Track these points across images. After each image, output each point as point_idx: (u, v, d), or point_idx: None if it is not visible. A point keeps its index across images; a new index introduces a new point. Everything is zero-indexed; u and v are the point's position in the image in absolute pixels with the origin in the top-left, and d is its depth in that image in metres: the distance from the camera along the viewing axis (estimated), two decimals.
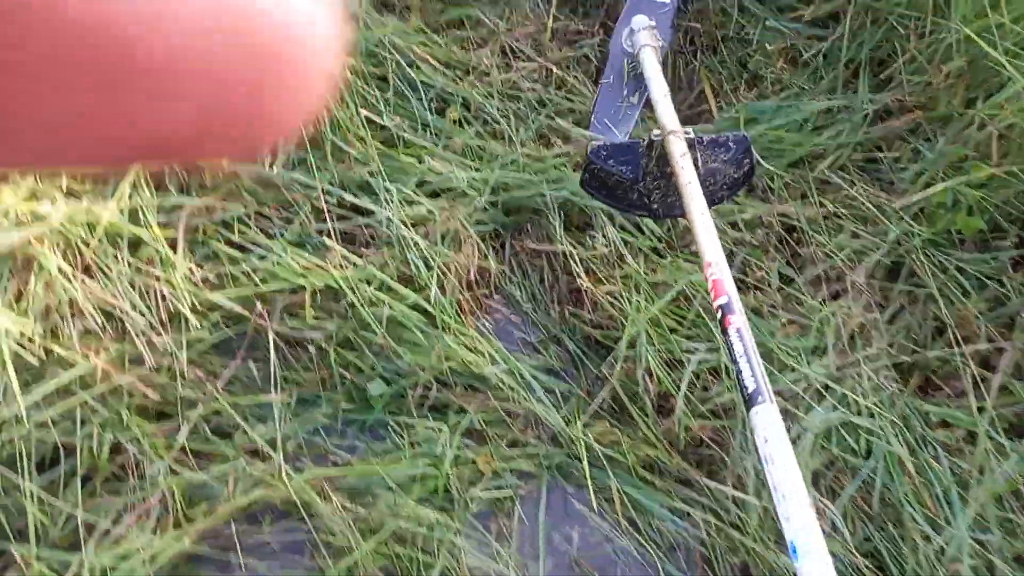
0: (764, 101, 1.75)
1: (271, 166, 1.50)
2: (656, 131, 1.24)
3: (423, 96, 1.69)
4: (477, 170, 1.59)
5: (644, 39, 1.55)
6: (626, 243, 1.54)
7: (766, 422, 0.84)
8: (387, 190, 1.53)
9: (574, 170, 1.66)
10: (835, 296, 1.51)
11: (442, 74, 1.72)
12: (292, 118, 0.21)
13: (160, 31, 0.17)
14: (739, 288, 1.50)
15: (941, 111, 1.65)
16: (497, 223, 1.60)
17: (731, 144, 1.24)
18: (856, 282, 1.48)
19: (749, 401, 0.87)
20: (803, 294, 1.49)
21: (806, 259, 1.55)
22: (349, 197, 1.52)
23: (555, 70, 1.79)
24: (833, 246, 1.54)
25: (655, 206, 1.31)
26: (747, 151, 1.25)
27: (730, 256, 1.54)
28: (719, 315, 0.97)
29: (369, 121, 1.60)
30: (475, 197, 1.56)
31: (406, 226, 1.48)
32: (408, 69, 1.70)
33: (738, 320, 0.94)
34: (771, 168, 1.63)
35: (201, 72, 0.18)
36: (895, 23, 1.72)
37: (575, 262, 1.52)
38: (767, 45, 1.82)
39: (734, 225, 1.58)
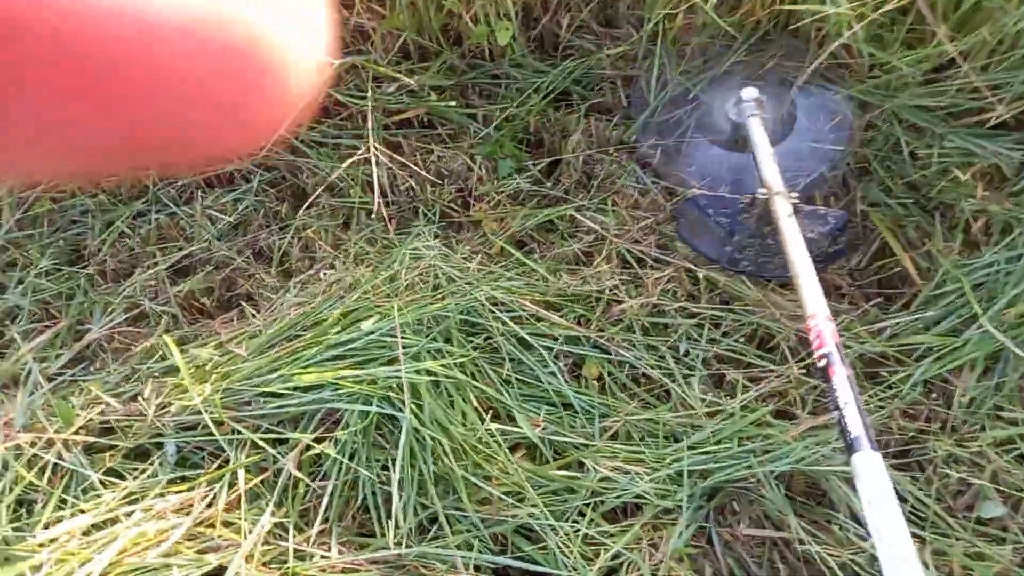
0: (981, 256, 1.33)
1: None
2: (762, 190, 1.24)
3: (548, 360, 1.27)
4: (656, 463, 1.18)
5: (751, 109, 1.43)
6: None
7: (867, 468, 0.84)
8: (554, 530, 1.12)
9: (775, 416, 1.25)
10: None
11: (559, 321, 1.31)
12: (271, 120, 0.21)
13: (141, 37, 0.17)
14: None
15: None
16: (696, 520, 1.19)
17: (830, 219, 1.26)
18: None
19: (852, 447, 0.86)
20: None
21: None
22: (508, 562, 1.11)
23: (699, 271, 1.37)
24: None
25: (746, 263, 1.30)
26: (844, 228, 1.26)
27: None
28: (822, 364, 0.98)
29: (501, 432, 1.19)
30: (668, 498, 1.15)
31: None
32: (518, 327, 1.29)
33: (842, 371, 0.95)
34: None
35: (183, 78, 0.18)
36: None
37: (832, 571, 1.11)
38: (955, 170, 1.40)
39: None
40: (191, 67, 0.19)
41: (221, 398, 1.21)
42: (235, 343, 1.30)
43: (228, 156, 0.23)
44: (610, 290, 1.35)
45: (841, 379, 0.93)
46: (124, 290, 1.43)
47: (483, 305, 1.29)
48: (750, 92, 1.45)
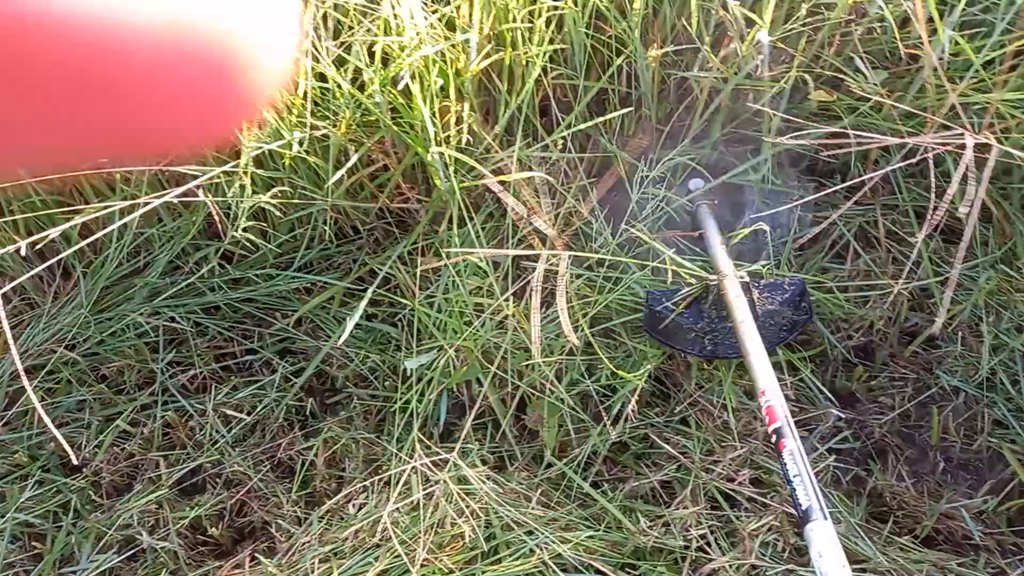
0: None
1: None
2: (713, 276, 1.28)
3: None
4: None
5: (700, 197, 1.45)
6: None
7: (821, 537, 0.85)
8: None
9: None
10: None
11: None
12: (236, 117, 0.22)
13: (114, 39, 0.18)
14: None
15: None
16: None
17: (786, 287, 1.29)
18: None
19: (804, 518, 0.88)
20: None
21: None
22: None
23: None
24: None
25: (708, 347, 1.30)
26: (803, 294, 1.28)
27: None
28: (774, 439, 0.98)
29: None
30: None
31: None
32: None
33: (792, 444, 0.96)
34: None
35: (154, 76, 0.20)
36: None
37: None
38: None
39: None
40: (162, 67, 0.20)
41: None
42: None
43: (192, 149, 0.23)
44: (698, 540, 1.12)
45: (791, 452, 0.94)
46: (119, 516, 1.21)
47: (550, 570, 1.07)
48: (696, 183, 1.48)
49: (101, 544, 1.20)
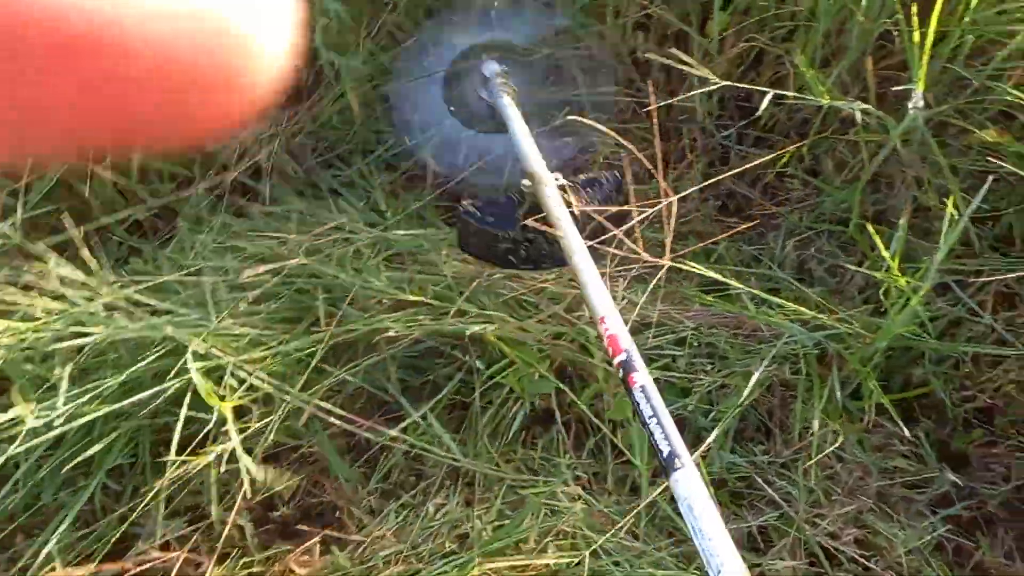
0: None
1: None
2: (526, 181, 1.12)
3: None
4: None
5: (499, 86, 1.29)
6: None
7: (688, 488, 0.73)
8: None
9: None
10: None
11: None
12: (241, 106, 0.22)
13: (121, 17, 0.18)
14: None
15: None
16: None
17: (603, 180, 1.17)
18: None
19: (666, 466, 0.75)
20: None
21: None
22: None
23: None
24: None
25: (524, 256, 1.19)
26: (619, 187, 1.18)
27: None
28: (620, 373, 0.85)
29: None
30: None
31: None
32: None
33: (641, 377, 0.83)
34: None
35: (155, 63, 0.19)
36: None
37: None
38: None
39: None
40: (164, 53, 0.19)
41: None
42: None
43: (195, 142, 0.22)
44: None
45: (643, 389, 0.81)
46: (191, 482, 1.17)
47: None
48: (491, 67, 1.32)
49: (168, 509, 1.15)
